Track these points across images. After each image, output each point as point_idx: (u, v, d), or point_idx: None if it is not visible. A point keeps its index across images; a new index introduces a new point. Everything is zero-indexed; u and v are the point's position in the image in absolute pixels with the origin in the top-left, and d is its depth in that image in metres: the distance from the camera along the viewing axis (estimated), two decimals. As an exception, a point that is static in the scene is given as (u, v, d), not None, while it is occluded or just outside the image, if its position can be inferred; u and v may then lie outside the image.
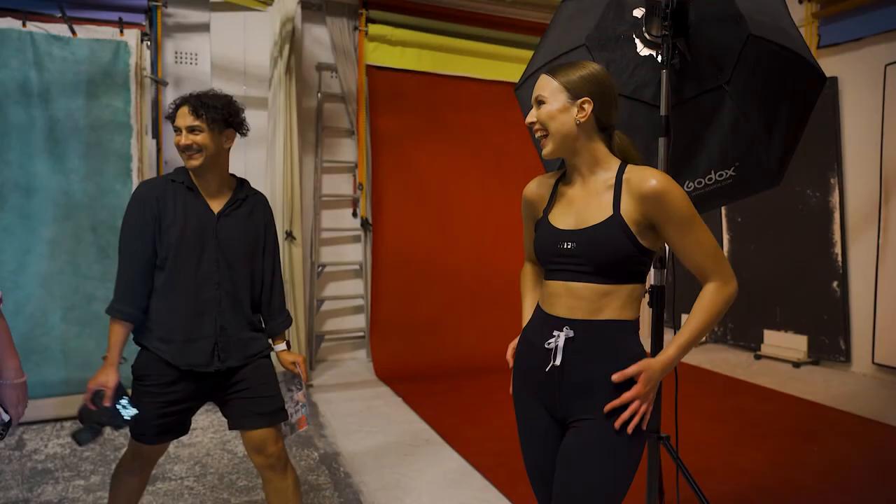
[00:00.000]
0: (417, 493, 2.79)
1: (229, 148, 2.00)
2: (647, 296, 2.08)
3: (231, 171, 2.06)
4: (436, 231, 5.21)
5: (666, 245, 1.98)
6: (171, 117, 1.97)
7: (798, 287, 5.14)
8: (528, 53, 5.15)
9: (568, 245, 1.41)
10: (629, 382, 1.37)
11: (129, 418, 1.82)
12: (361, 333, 5.22)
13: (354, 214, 5.19)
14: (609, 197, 1.40)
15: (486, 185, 5.36)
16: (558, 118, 1.41)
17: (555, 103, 1.41)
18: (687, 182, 2.04)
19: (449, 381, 4.58)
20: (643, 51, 1.98)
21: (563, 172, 1.54)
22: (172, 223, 1.91)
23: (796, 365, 5.03)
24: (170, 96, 4.42)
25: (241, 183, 2.07)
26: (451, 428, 3.58)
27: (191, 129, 1.90)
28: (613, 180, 1.41)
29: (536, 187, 1.57)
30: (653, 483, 2.10)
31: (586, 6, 2.22)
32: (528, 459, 1.55)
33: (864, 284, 4.75)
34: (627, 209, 1.37)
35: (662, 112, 1.84)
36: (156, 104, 4.26)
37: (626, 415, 1.34)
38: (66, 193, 3.72)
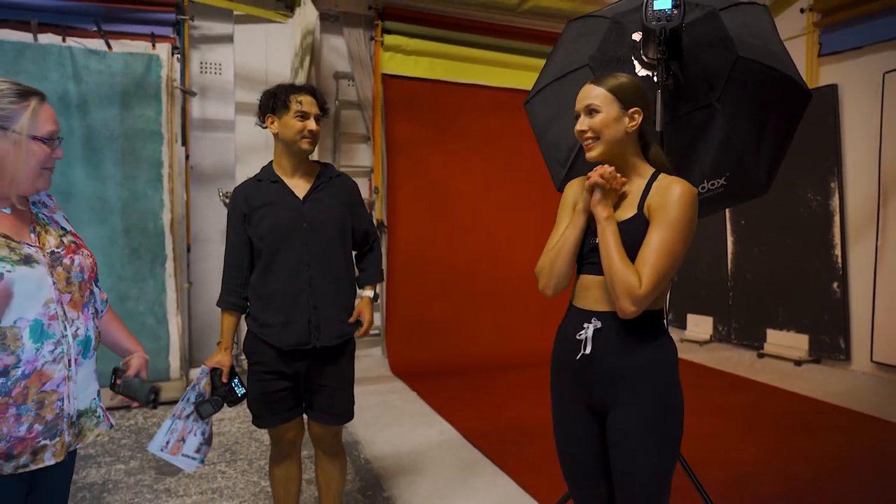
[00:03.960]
0: (433, 479, 2.99)
1: None
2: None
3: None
4: (449, 233, 5.42)
5: None
6: (285, 102, 2.07)
7: (800, 288, 5.29)
8: (537, 61, 5.36)
9: (595, 241, 1.50)
10: (657, 370, 1.47)
11: (240, 395, 2.07)
12: (377, 331, 5.43)
13: (370, 217, 5.39)
14: (637, 197, 1.51)
15: (497, 188, 5.56)
16: (613, 126, 1.50)
17: (610, 112, 1.50)
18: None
19: (462, 377, 4.78)
20: (641, 71, 2.16)
21: None
22: (264, 215, 2.09)
23: (798, 363, 5.18)
24: (196, 106, 4.65)
25: (325, 167, 2.21)
26: (464, 420, 3.78)
27: (317, 119, 2.10)
28: (644, 184, 1.52)
29: (579, 186, 1.64)
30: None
31: (590, 28, 2.41)
32: (561, 447, 1.64)
33: (863, 285, 4.90)
34: (647, 206, 1.48)
35: (658, 128, 2.02)
36: (183, 113, 4.49)
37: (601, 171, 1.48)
38: (101, 198, 3.96)
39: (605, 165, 1.50)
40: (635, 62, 2.18)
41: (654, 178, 1.53)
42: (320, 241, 2.09)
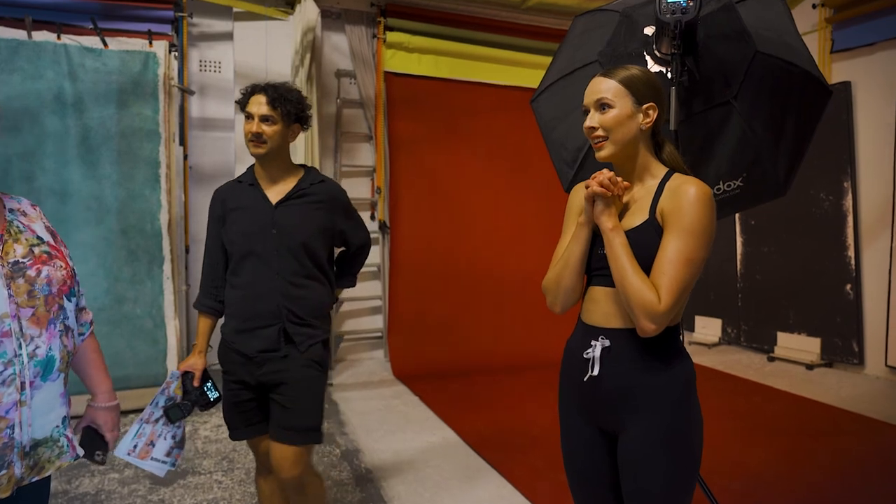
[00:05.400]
0: (436, 489, 2.89)
1: (292, 140, 2.08)
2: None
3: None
4: (453, 234, 5.32)
5: None
6: (243, 103, 2.01)
7: (811, 289, 5.18)
8: (543, 59, 5.26)
9: (604, 251, 1.37)
10: (670, 390, 1.35)
11: (212, 400, 2.01)
12: (379, 334, 5.34)
13: (372, 217, 5.31)
14: (648, 201, 1.37)
15: (501, 189, 5.46)
16: (626, 124, 1.37)
17: (623, 108, 1.37)
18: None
19: (465, 380, 4.69)
20: (653, 67, 2.06)
21: None
22: (236, 219, 2.03)
23: (809, 367, 5.07)
24: (195, 104, 4.57)
25: (309, 172, 2.09)
26: (468, 426, 3.68)
27: (264, 119, 1.95)
28: (656, 186, 1.38)
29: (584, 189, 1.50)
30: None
31: (599, 23, 2.31)
32: (570, 466, 1.53)
33: (877, 287, 4.78)
34: (660, 210, 1.34)
35: (672, 127, 1.92)
36: (181, 112, 4.41)
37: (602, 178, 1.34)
38: (98, 198, 3.88)
39: (605, 171, 1.36)
40: (647, 58, 2.08)
41: (666, 178, 1.39)
42: (291, 249, 1.98)
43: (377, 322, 5.36)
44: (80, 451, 1.38)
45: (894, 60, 4.63)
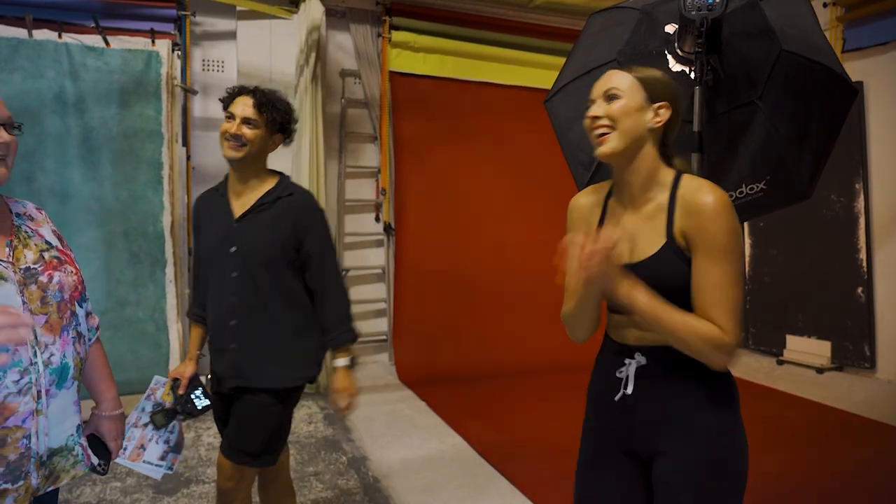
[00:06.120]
0: (446, 498, 2.83)
1: (271, 151, 1.97)
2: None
3: None
4: (459, 236, 5.25)
5: None
6: (227, 101, 1.91)
7: (821, 292, 5.11)
8: (551, 59, 5.20)
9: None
10: (712, 410, 1.27)
11: (200, 408, 1.92)
12: (384, 337, 5.27)
13: (377, 219, 5.24)
14: (662, 219, 1.26)
15: (508, 191, 5.39)
16: (634, 116, 1.26)
17: (632, 100, 1.27)
18: (718, 195, 2.06)
19: (472, 384, 4.62)
20: (675, 66, 2.00)
21: (611, 186, 1.40)
22: (204, 232, 1.97)
23: (819, 371, 5.00)
24: (198, 104, 4.50)
25: (280, 182, 1.94)
26: (476, 433, 3.62)
27: (247, 121, 1.84)
28: (667, 199, 1.27)
29: (587, 200, 1.42)
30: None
31: (616, 20, 2.25)
32: (586, 491, 1.41)
33: (889, 290, 4.71)
34: (680, 230, 1.24)
35: (696, 128, 1.86)
36: (184, 112, 4.34)
37: (564, 243, 1.20)
38: (99, 200, 3.82)
39: (578, 240, 1.16)
40: (669, 56, 2.02)
41: (676, 185, 1.27)
42: (251, 269, 1.83)
43: (382, 325, 5.29)
44: (95, 460, 1.35)
45: (907, 60, 4.57)
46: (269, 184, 1.93)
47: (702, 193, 1.22)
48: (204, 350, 2.07)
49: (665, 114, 1.29)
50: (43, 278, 1.20)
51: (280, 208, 1.88)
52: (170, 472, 1.90)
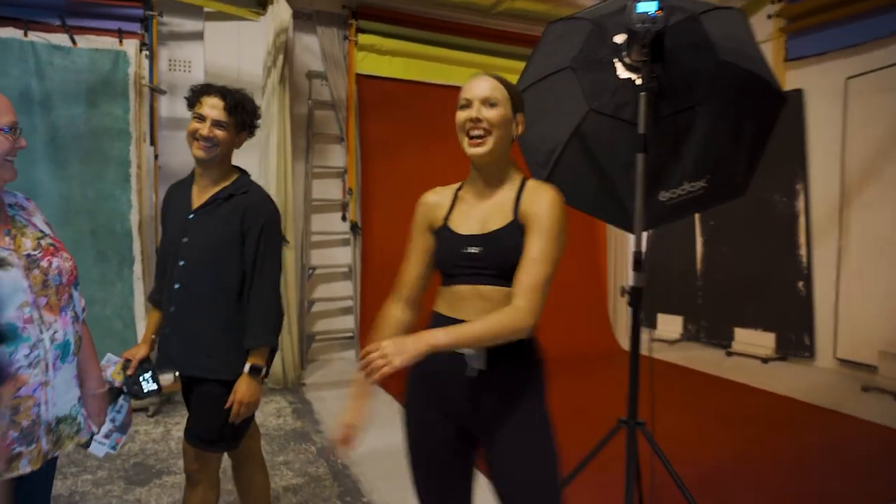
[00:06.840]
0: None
1: (237, 147, 2.01)
2: (626, 296, 2.29)
3: None
4: (423, 234, 5.37)
5: (643, 248, 2.19)
6: (193, 100, 1.92)
7: (766, 287, 5.42)
8: (512, 63, 5.37)
9: (472, 249, 1.43)
10: (531, 381, 1.46)
11: (147, 391, 1.93)
12: (350, 334, 5.37)
13: (344, 218, 5.34)
14: (510, 204, 1.44)
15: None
16: (506, 126, 1.43)
17: (506, 110, 1.43)
18: (662, 192, 2.25)
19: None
20: (623, 73, 2.18)
21: (461, 185, 1.57)
22: (167, 221, 2.04)
23: (764, 361, 5.30)
24: (165, 104, 4.53)
25: (238, 179, 1.97)
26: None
27: (217, 123, 1.87)
28: (516, 190, 1.45)
29: (436, 195, 1.59)
30: (631, 467, 2.29)
31: (572, 29, 2.42)
32: (424, 483, 1.61)
33: (827, 284, 5.04)
34: (523, 213, 1.42)
35: (641, 131, 2.04)
36: (151, 111, 4.37)
37: (361, 363, 1.31)
38: (66, 198, 3.83)
39: (367, 358, 1.29)
40: (617, 64, 2.20)
41: (523, 183, 1.47)
42: (196, 261, 1.88)
43: (348, 322, 5.39)
44: (95, 429, 1.47)
45: (843, 69, 4.90)
46: (228, 177, 1.97)
47: (543, 189, 1.43)
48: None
49: (522, 124, 1.48)
50: (44, 263, 1.30)
51: (233, 205, 1.91)
52: (112, 451, 1.86)
